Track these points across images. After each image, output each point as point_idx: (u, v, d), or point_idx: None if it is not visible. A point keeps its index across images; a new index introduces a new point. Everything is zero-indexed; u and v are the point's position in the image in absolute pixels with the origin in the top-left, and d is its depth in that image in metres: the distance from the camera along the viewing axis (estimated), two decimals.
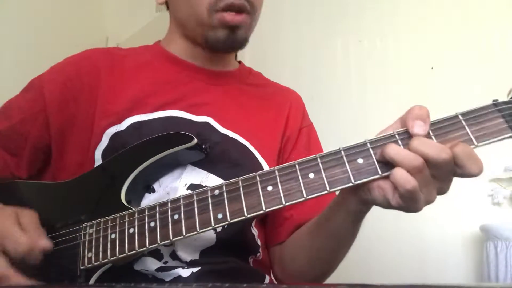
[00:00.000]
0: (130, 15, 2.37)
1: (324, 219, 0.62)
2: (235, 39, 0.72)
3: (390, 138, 0.47)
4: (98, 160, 0.67)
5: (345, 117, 1.75)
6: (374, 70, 1.83)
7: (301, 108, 0.84)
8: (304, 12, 2.04)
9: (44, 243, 0.55)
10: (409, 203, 0.45)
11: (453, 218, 1.64)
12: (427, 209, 1.71)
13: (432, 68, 1.71)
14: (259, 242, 0.73)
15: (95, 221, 0.58)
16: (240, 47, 0.75)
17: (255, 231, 0.72)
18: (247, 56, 2.24)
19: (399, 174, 0.44)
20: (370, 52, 1.87)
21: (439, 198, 1.68)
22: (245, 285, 0.53)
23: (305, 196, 0.47)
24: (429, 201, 0.46)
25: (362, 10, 1.91)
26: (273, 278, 0.75)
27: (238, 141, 0.70)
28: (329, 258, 0.67)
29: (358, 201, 0.51)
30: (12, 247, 0.52)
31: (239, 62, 0.88)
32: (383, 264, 1.64)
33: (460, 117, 0.46)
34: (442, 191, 0.47)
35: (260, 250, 0.73)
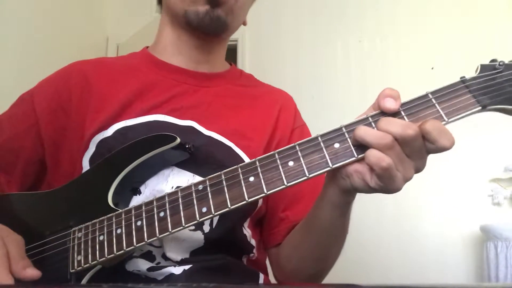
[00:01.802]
0: (130, 15, 2.38)
1: (311, 217, 0.62)
2: (214, 15, 0.71)
3: (364, 121, 0.48)
4: (85, 167, 0.67)
5: (345, 116, 1.75)
6: (374, 70, 1.84)
7: (292, 109, 0.83)
8: (304, 12, 2.04)
9: (29, 273, 0.54)
10: (387, 182, 0.46)
11: (453, 218, 1.64)
12: (427, 210, 1.72)
13: (432, 68, 1.71)
14: (253, 242, 0.72)
15: (83, 225, 0.58)
16: (218, 28, 0.73)
17: (247, 232, 0.71)
18: (247, 56, 2.25)
19: (372, 153, 0.45)
20: (370, 52, 1.87)
21: (439, 198, 1.68)
22: (230, 285, 0.53)
23: (285, 183, 0.48)
24: (407, 179, 0.47)
25: (362, 10, 1.91)
26: (270, 278, 0.75)
27: (223, 143, 0.69)
28: (321, 256, 0.67)
29: (340, 191, 0.52)
30: None
31: (230, 64, 0.88)
32: (383, 264, 1.64)
33: (430, 96, 0.47)
34: (418, 169, 0.47)
35: (254, 250, 0.73)
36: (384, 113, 0.48)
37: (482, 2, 1.67)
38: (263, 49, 2.10)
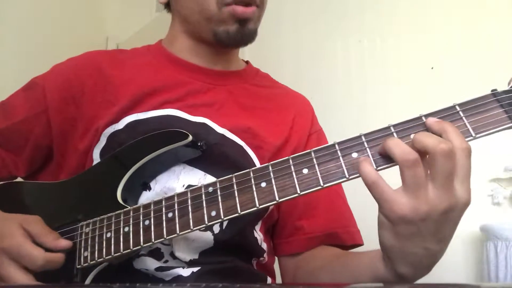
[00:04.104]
0: (130, 15, 2.37)
1: (351, 266, 0.60)
2: (245, 32, 0.71)
3: (385, 131, 0.46)
4: (96, 159, 0.67)
5: (345, 117, 1.75)
6: (374, 70, 1.83)
7: (309, 114, 0.82)
8: (304, 12, 2.04)
9: (63, 243, 0.55)
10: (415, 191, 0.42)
11: None
12: None
13: (432, 68, 1.71)
14: (264, 246, 0.72)
15: (91, 220, 0.58)
16: (250, 40, 0.74)
17: (259, 235, 0.71)
18: (247, 56, 2.24)
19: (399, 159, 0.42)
20: (370, 52, 1.87)
21: None
22: (238, 285, 0.53)
23: (298, 192, 0.46)
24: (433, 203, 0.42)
25: (362, 10, 1.91)
26: (277, 282, 0.75)
27: (235, 141, 0.69)
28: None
29: (396, 275, 0.49)
30: (30, 263, 0.53)
31: (247, 62, 0.87)
32: None
33: (458, 108, 0.45)
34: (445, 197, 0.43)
35: (265, 254, 0.72)
36: (408, 121, 0.45)
37: (482, 2, 1.66)
38: (263, 48, 2.09)
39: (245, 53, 2.13)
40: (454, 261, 1.62)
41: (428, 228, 0.43)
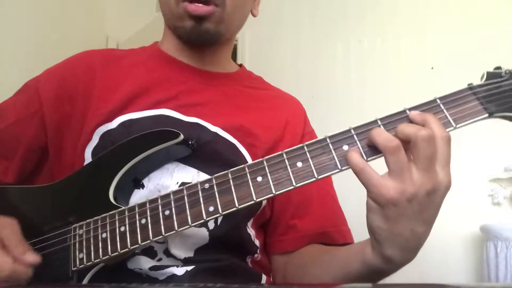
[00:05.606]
0: (130, 15, 2.38)
1: (341, 264, 0.60)
2: (201, 30, 0.70)
3: (372, 124, 0.49)
4: (88, 159, 0.66)
5: (345, 117, 1.75)
6: (374, 70, 1.83)
7: (302, 116, 0.83)
8: (304, 12, 2.04)
9: (31, 258, 0.53)
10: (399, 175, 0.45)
11: (453, 218, 1.64)
12: None
13: (432, 68, 1.71)
14: (257, 243, 0.72)
15: (84, 222, 0.57)
16: (209, 39, 0.72)
17: (251, 231, 0.71)
18: (247, 56, 2.25)
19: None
20: (370, 52, 1.87)
21: None
22: (236, 285, 0.53)
23: (294, 184, 0.48)
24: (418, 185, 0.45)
25: (362, 10, 1.91)
26: (271, 279, 0.75)
27: (227, 140, 0.69)
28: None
29: (383, 260, 0.50)
30: None
31: (240, 65, 0.88)
32: None
33: (438, 101, 0.48)
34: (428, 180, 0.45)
35: (258, 251, 0.72)
36: (394, 115, 0.49)
37: (482, 2, 1.66)
38: (263, 49, 2.10)
39: (246, 53, 2.14)
40: (454, 261, 1.63)
41: (413, 210, 0.46)
